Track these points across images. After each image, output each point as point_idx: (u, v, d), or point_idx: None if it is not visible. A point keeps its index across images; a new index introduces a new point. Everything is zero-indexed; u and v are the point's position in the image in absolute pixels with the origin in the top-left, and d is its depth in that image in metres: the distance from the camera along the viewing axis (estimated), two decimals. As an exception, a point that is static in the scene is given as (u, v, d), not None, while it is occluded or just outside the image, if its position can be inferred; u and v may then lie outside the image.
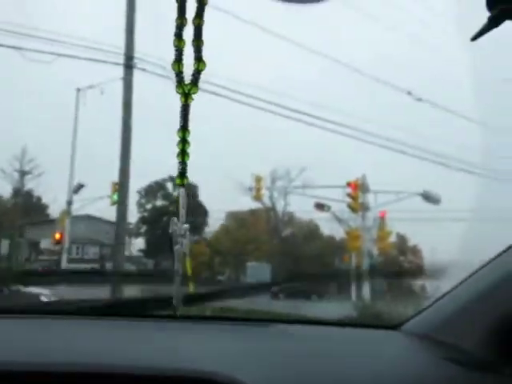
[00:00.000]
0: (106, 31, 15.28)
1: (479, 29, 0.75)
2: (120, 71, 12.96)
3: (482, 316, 1.15)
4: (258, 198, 24.07)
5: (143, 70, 12.45)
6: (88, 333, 1.32)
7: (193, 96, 0.83)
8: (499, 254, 1.22)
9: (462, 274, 1.30)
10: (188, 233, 0.84)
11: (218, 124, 40.06)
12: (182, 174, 0.82)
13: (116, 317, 1.51)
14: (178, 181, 0.81)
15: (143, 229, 39.49)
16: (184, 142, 0.82)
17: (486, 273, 1.23)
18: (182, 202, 0.81)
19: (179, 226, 0.80)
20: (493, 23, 0.72)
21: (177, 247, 0.80)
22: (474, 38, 0.76)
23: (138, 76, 12.82)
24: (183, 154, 0.82)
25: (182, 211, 0.82)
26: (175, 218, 0.80)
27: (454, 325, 1.21)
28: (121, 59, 12.77)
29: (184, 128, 0.82)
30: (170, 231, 0.79)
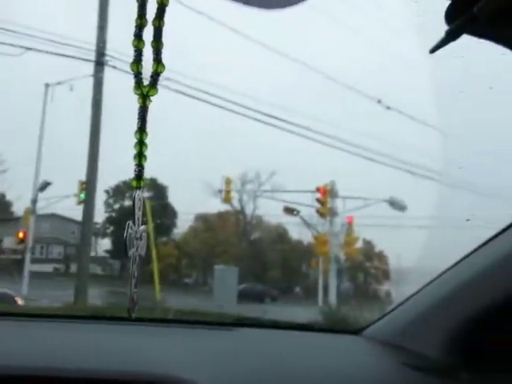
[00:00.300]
0: (77, 27, 15.03)
1: (438, 41, 0.76)
2: (91, 68, 12.78)
3: (443, 321, 1.17)
4: (227, 200, 24.00)
5: (114, 67, 12.29)
6: (40, 335, 1.29)
7: (151, 98, 0.82)
8: (458, 261, 1.24)
9: (424, 280, 1.32)
10: (145, 234, 0.82)
11: (189, 125, 39.87)
12: (139, 176, 0.81)
13: (70, 319, 1.48)
14: (134, 183, 0.80)
15: (110, 229, 38.90)
16: (141, 143, 0.81)
17: (446, 279, 1.25)
18: (138, 204, 0.80)
19: (135, 229, 0.79)
20: (451, 36, 0.74)
21: (132, 251, 0.78)
22: (433, 51, 0.77)
23: (108, 73, 12.66)
24: (140, 157, 0.81)
25: (139, 214, 0.81)
26: (130, 222, 0.79)
27: (415, 330, 1.22)
28: (92, 56, 12.59)
29: (142, 130, 0.81)
30: (124, 235, 0.78)
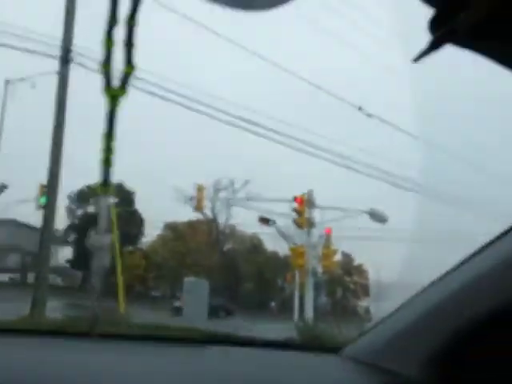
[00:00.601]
0: (42, 21, 14.86)
1: (421, 50, 0.79)
2: (56, 65, 12.60)
3: (423, 341, 1.19)
4: (199, 208, 23.94)
5: (80, 65, 12.16)
6: None
7: (120, 100, 0.82)
8: (439, 278, 1.26)
9: (406, 296, 1.33)
10: (109, 244, 0.82)
11: (161, 129, 39.62)
12: (105, 182, 0.80)
13: (26, 334, 1.46)
14: (99, 190, 0.80)
15: (72, 237, 38.31)
16: (108, 149, 0.81)
17: (426, 296, 1.27)
18: (103, 212, 0.81)
19: (98, 238, 0.79)
20: (434, 46, 0.77)
21: (95, 262, 0.78)
22: (417, 59, 0.80)
23: (74, 71, 12.51)
24: (107, 162, 0.81)
25: (103, 222, 0.81)
26: (94, 231, 0.79)
27: (396, 349, 1.23)
28: (57, 52, 12.41)
29: (109, 134, 0.81)
30: (87, 245, 0.78)
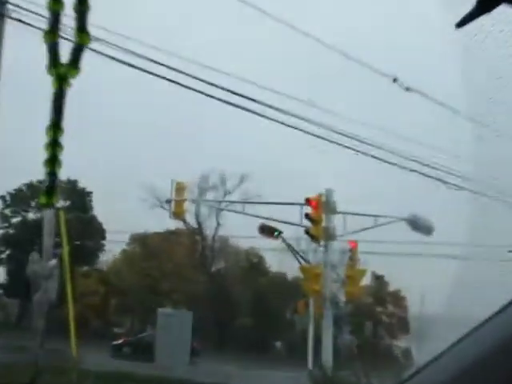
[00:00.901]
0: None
1: (466, 14, 0.80)
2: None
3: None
4: (178, 214, 23.90)
5: (19, 21, 12.14)
6: None
7: (71, 80, 0.84)
8: (500, 311, 1.27)
9: (457, 332, 1.34)
10: (56, 271, 0.84)
11: (126, 106, 39.56)
12: (51, 189, 0.82)
13: None
14: (42, 199, 0.82)
15: (6, 253, 38.31)
16: (55, 145, 0.82)
17: (481, 335, 1.28)
18: (48, 229, 0.82)
19: (43, 264, 0.81)
20: (483, 8, 0.78)
21: (38, 295, 0.80)
22: (460, 25, 0.81)
23: (11, 30, 12.51)
24: (53, 163, 0.82)
25: (48, 242, 0.82)
26: (36, 254, 0.81)
27: None
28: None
29: (56, 126, 0.83)
30: (27, 272, 0.80)
